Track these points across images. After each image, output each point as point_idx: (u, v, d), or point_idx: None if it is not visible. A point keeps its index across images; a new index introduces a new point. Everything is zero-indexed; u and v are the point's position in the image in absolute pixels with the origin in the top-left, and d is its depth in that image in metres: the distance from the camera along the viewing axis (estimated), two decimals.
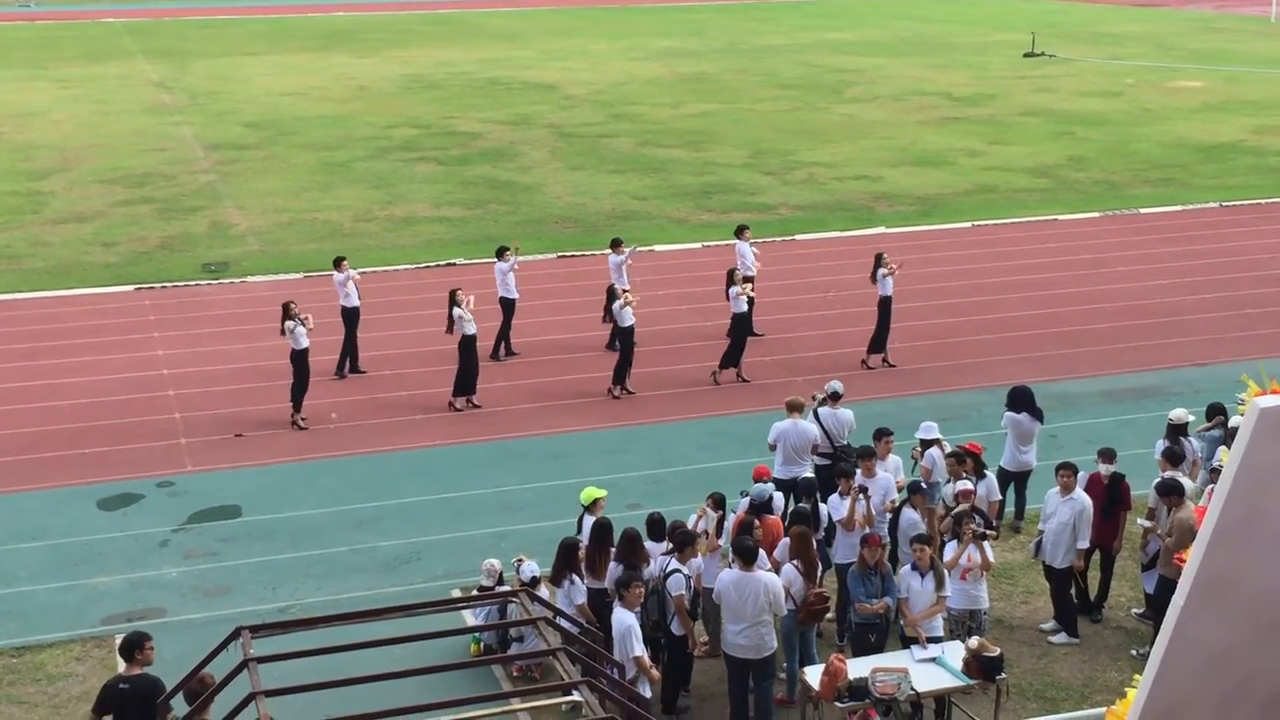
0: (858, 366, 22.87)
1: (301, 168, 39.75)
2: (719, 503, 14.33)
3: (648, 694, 11.91)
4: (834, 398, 17.04)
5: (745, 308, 22.23)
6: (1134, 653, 14.44)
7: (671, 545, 13.35)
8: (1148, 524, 14.64)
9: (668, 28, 78.95)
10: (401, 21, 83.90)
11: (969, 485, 14.80)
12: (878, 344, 22.95)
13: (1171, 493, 14.03)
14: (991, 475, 15.57)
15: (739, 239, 24.41)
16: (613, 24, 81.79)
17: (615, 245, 23.90)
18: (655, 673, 12.33)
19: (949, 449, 15.77)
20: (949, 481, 15.19)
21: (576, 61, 63.47)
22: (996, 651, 12.73)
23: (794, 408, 16.69)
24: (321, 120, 47.75)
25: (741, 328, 22.29)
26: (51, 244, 31.66)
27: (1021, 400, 16.76)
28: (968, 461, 15.24)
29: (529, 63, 63.12)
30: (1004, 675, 12.77)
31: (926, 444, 15.88)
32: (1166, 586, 13.64)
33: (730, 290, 22.08)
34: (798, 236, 31.73)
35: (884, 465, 15.45)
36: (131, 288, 28.19)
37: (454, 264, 29.49)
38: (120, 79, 58.61)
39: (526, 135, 44.71)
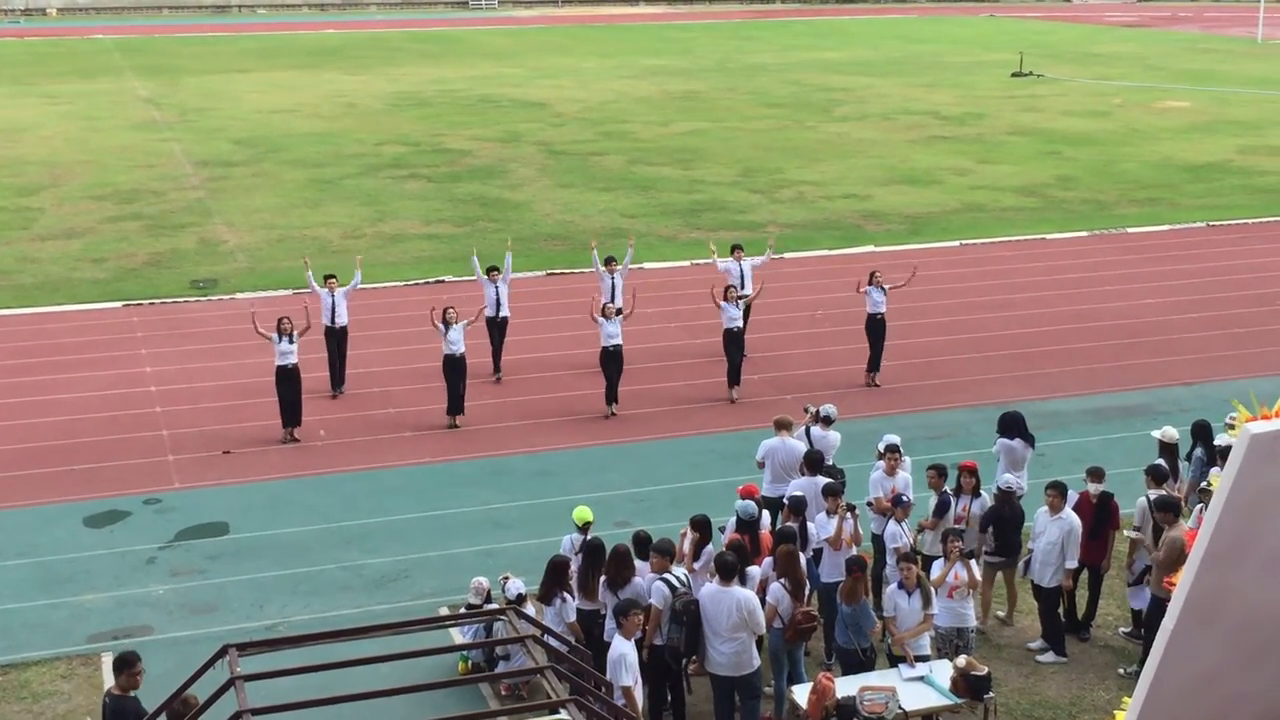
0: (845, 385, 22.87)
1: (291, 185, 39.75)
2: (697, 524, 14.25)
3: None
4: (826, 421, 17.04)
5: (740, 324, 22.23)
6: (1121, 671, 14.46)
7: (664, 557, 13.36)
8: (1135, 534, 14.66)
9: (657, 46, 79.15)
10: (391, 39, 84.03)
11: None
12: (874, 362, 22.95)
13: (1166, 510, 14.05)
14: (986, 494, 15.55)
15: (733, 258, 24.14)
16: (602, 42, 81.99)
17: (609, 263, 23.80)
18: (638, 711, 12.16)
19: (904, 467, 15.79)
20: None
21: (566, 80, 63.60)
22: (984, 670, 12.74)
23: (782, 425, 16.69)
24: (311, 137, 47.78)
25: (733, 343, 22.29)
26: (40, 260, 31.61)
27: (1013, 425, 16.69)
28: (971, 478, 15.28)
29: (519, 81, 63.25)
30: (992, 694, 12.78)
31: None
32: (1158, 606, 13.66)
33: (723, 305, 22.16)
34: (786, 255, 31.73)
35: (892, 481, 15.42)
36: (120, 304, 28.14)
37: (443, 281, 29.49)
38: (110, 95, 58.61)
39: (516, 153, 44.78)
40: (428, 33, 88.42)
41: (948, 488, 15.38)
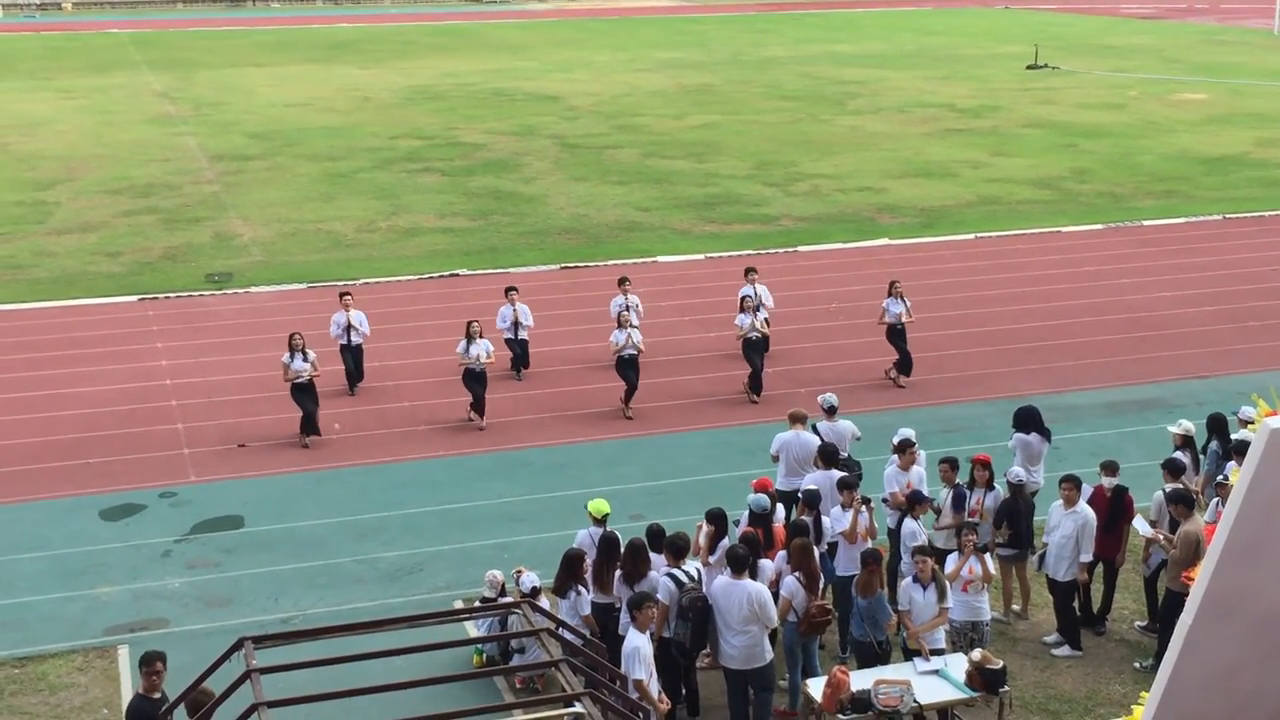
0: (859, 378, 22.83)
1: (305, 178, 39.81)
2: (712, 518, 14.25)
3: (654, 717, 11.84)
4: (830, 411, 17.03)
5: (756, 333, 22.12)
6: (1137, 665, 14.43)
7: (674, 553, 13.36)
8: (1151, 532, 14.61)
9: (671, 39, 79.07)
10: (405, 33, 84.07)
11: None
12: (905, 366, 22.76)
13: (1180, 502, 14.04)
14: (1000, 488, 15.51)
15: (747, 281, 23.84)
16: (616, 35, 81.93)
17: (622, 284, 23.56)
18: (662, 705, 12.18)
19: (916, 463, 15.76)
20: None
21: (580, 73, 63.57)
22: (999, 664, 12.72)
23: (797, 419, 16.68)
24: (325, 131, 47.83)
25: (755, 349, 22.18)
26: (56, 254, 31.69)
27: (1029, 420, 16.65)
28: (985, 471, 15.27)
29: (532, 74, 63.24)
30: (1007, 688, 12.76)
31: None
32: (1174, 601, 13.62)
33: (740, 318, 22.16)
34: (801, 248, 31.74)
35: (907, 475, 15.40)
36: (135, 298, 28.21)
37: (457, 275, 29.51)
38: (125, 90, 58.75)
39: (530, 146, 44.78)
40: (441, 26, 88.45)
41: (960, 480, 15.36)
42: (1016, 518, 15.10)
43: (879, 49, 72.73)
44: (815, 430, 16.81)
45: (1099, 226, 33.73)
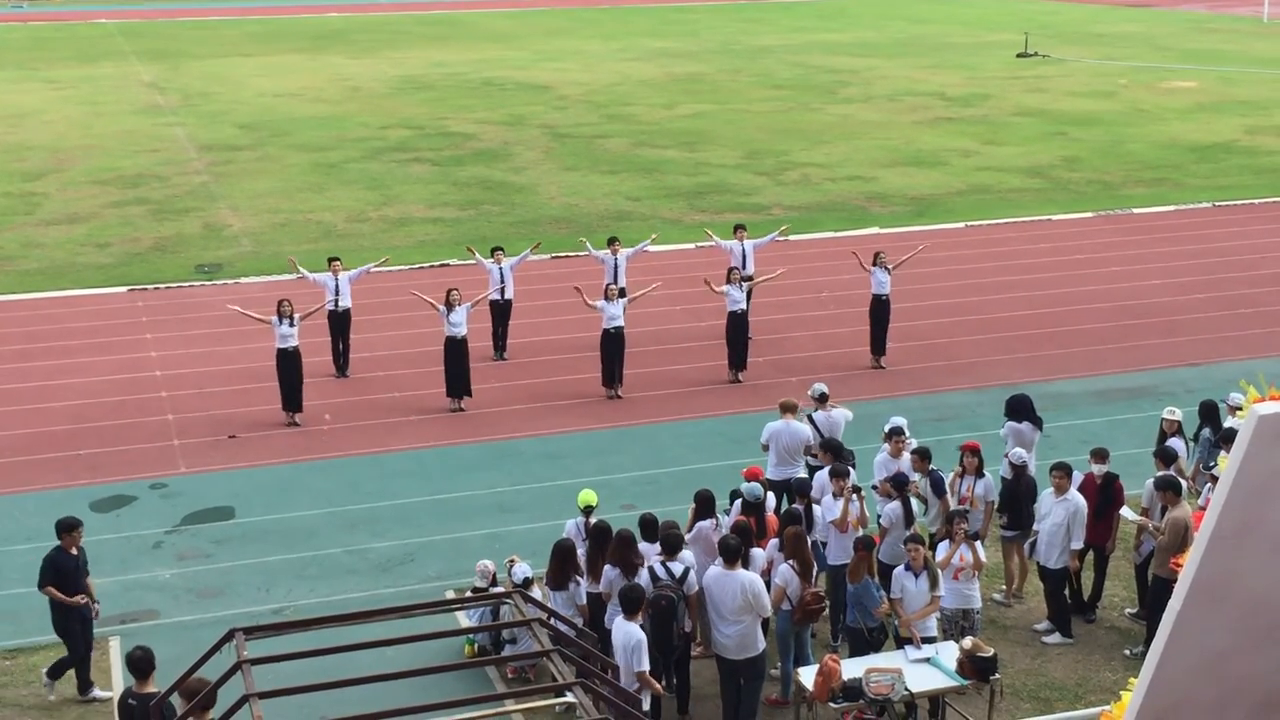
0: (849, 367, 22.86)
1: (295, 169, 39.71)
2: (697, 498, 14.26)
3: (647, 705, 11.84)
4: (821, 400, 17.03)
5: (744, 306, 22.19)
6: (1128, 653, 14.47)
7: (662, 547, 13.33)
8: (1139, 519, 14.66)
9: (661, 28, 78.93)
10: (395, 22, 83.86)
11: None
12: (878, 344, 22.87)
13: (1167, 489, 14.08)
14: (990, 475, 15.55)
15: (735, 238, 24.22)
16: (606, 24, 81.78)
17: (612, 244, 23.77)
18: (659, 689, 12.17)
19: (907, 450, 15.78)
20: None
21: (570, 62, 63.45)
22: (990, 652, 12.74)
23: (787, 408, 16.68)
24: (315, 121, 47.71)
25: (738, 327, 22.25)
26: (44, 245, 31.61)
27: (1021, 408, 16.68)
28: (974, 459, 15.28)
29: (522, 63, 63.10)
30: (998, 675, 12.78)
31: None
32: (1162, 587, 13.66)
33: (726, 288, 22.15)
34: (792, 237, 31.69)
35: (897, 463, 15.41)
36: (125, 289, 28.15)
37: (447, 265, 29.47)
38: (113, 80, 58.54)
39: (520, 136, 44.70)
40: (431, 15, 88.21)
41: (933, 467, 15.34)
42: (1018, 500, 15.15)
43: (869, 37, 72.68)
44: (811, 420, 16.80)
45: (1089, 215, 33.76)
